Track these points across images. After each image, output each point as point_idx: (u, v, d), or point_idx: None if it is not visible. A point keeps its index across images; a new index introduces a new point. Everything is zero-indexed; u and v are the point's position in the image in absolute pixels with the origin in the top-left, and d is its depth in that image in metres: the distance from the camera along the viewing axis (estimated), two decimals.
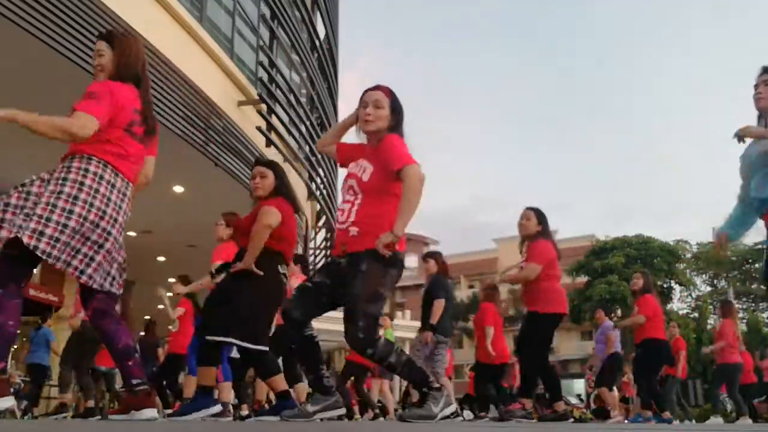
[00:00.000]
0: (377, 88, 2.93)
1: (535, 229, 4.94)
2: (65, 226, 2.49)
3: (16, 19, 5.10)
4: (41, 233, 2.45)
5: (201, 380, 3.54)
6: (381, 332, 8.13)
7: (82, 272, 2.59)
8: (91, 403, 6.63)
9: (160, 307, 8.41)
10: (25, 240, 2.43)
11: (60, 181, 2.54)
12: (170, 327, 6.64)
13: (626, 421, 7.28)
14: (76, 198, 2.52)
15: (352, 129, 3.09)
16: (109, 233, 2.62)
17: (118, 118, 2.65)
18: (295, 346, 2.88)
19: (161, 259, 12.59)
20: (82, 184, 2.55)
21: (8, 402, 2.51)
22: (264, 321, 3.61)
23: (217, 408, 3.52)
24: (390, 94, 2.92)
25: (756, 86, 3.15)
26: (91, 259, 2.60)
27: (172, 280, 12.77)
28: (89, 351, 6.59)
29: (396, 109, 2.91)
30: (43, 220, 2.46)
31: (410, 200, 2.64)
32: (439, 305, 5.96)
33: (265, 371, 3.75)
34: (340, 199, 2.95)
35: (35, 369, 8.82)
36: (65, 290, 11.67)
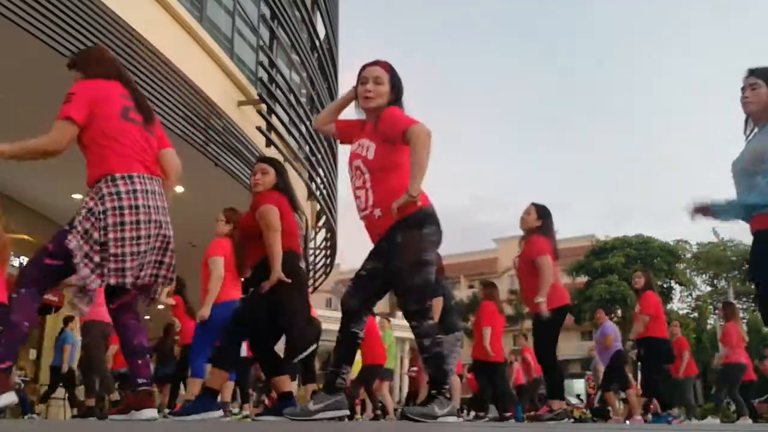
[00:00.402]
0: (376, 63, 2.91)
1: (535, 223, 4.93)
2: (138, 253, 2.62)
3: (16, 19, 5.10)
4: (123, 270, 2.59)
5: (210, 382, 3.54)
6: (381, 333, 8.17)
7: (156, 277, 2.77)
8: (91, 403, 6.62)
9: (161, 307, 8.40)
10: (113, 282, 2.58)
11: (101, 215, 2.58)
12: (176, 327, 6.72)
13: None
14: (122, 224, 2.59)
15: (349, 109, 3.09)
16: (165, 235, 2.76)
17: (106, 107, 2.67)
18: (338, 336, 2.87)
19: None
20: (121, 208, 2.60)
21: (10, 397, 2.52)
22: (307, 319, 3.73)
23: (219, 413, 3.52)
24: (389, 69, 2.90)
25: (743, 89, 3.09)
26: (150, 263, 2.73)
27: None
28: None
29: (395, 84, 2.89)
30: (119, 258, 2.57)
31: (421, 157, 2.64)
32: (438, 303, 5.99)
33: (272, 369, 3.76)
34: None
35: (54, 371, 8.83)
36: (65, 290, 11.66)
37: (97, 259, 2.55)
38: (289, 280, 3.44)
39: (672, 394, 6.74)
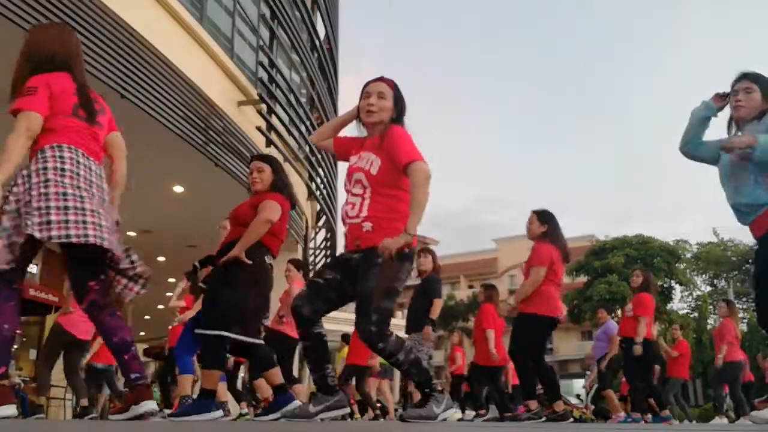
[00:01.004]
0: (381, 79, 2.92)
1: (539, 230, 4.91)
2: (66, 207, 2.50)
3: (16, 19, 5.10)
4: (48, 222, 2.46)
5: (204, 383, 3.52)
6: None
7: (102, 239, 2.57)
8: (84, 402, 6.62)
9: (160, 307, 8.40)
10: (37, 235, 2.44)
11: (41, 171, 2.54)
12: (171, 324, 6.60)
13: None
14: (47, 182, 2.53)
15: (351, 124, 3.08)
16: (96, 210, 2.62)
17: (59, 104, 2.65)
18: (303, 343, 2.85)
19: (161, 259, 12.58)
20: (63, 170, 2.56)
21: (10, 410, 2.48)
22: (255, 313, 3.60)
23: (218, 413, 3.51)
24: (393, 86, 2.92)
25: (735, 92, 3.05)
26: (99, 225, 2.59)
27: (172, 280, 12.77)
28: (66, 351, 6.51)
29: (399, 101, 2.90)
30: (43, 211, 2.47)
31: (419, 198, 2.65)
32: (438, 304, 6.03)
33: (260, 365, 3.76)
34: (341, 193, 2.96)
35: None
36: (65, 291, 11.67)
37: (6, 223, 2.49)
38: (249, 261, 3.39)
39: (660, 394, 6.82)
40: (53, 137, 2.61)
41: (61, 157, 2.58)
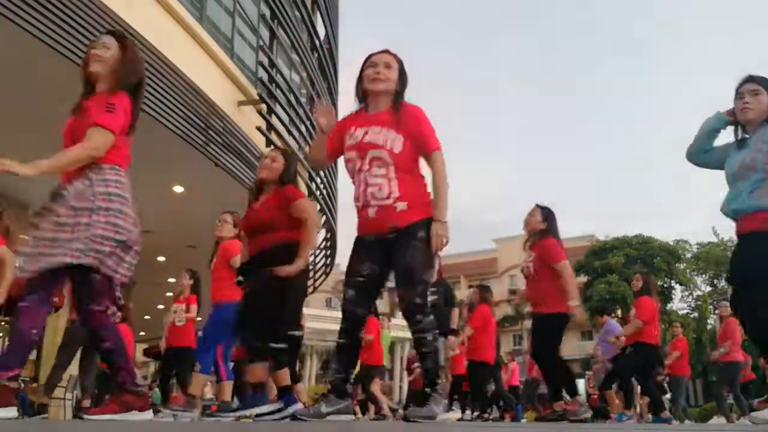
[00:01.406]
0: (386, 51, 2.92)
1: (539, 225, 4.91)
2: (117, 241, 2.57)
3: (15, 19, 5.10)
4: (98, 252, 2.51)
5: (280, 382, 3.64)
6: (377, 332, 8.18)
7: (122, 275, 2.65)
8: (87, 403, 6.61)
9: (161, 307, 8.40)
10: (88, 262, 2.48)
11: (106, 197, 2.57)
12: (177, 322, 6.49)
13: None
14: (121, 212, 2.59)
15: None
16: (138, 235, 2.71)
17: (125, 127, 2.71)
18: (342, 342, 2.87)
19: (161, 259, 12.58)
20: (123, 197, 2.62)
21: (10, 412, 2.48)
22: (300, 310, 3.77)
23: (298, 406, 3.54)
24: (398, 60, 2.92)
25: (741, 95, 3.02)
26: (122, 260, 2.66)
27: (172, 280, 12.75)
28: (89, 347, 6.50)
29: (403, 75, 2.92)
30: (98, 240, 2.52)
31: (442, 186, 2.78)
32: (456, 313, 6.12)
33: (277, 364, 3.79)
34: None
35: None
36: (66, 290, 11.65)
37: (66, 235, 2.49)
38: (303, 268, 3.45)
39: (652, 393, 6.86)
40: (110, 155, 2.63)
41: (118, 182, 2.63)
